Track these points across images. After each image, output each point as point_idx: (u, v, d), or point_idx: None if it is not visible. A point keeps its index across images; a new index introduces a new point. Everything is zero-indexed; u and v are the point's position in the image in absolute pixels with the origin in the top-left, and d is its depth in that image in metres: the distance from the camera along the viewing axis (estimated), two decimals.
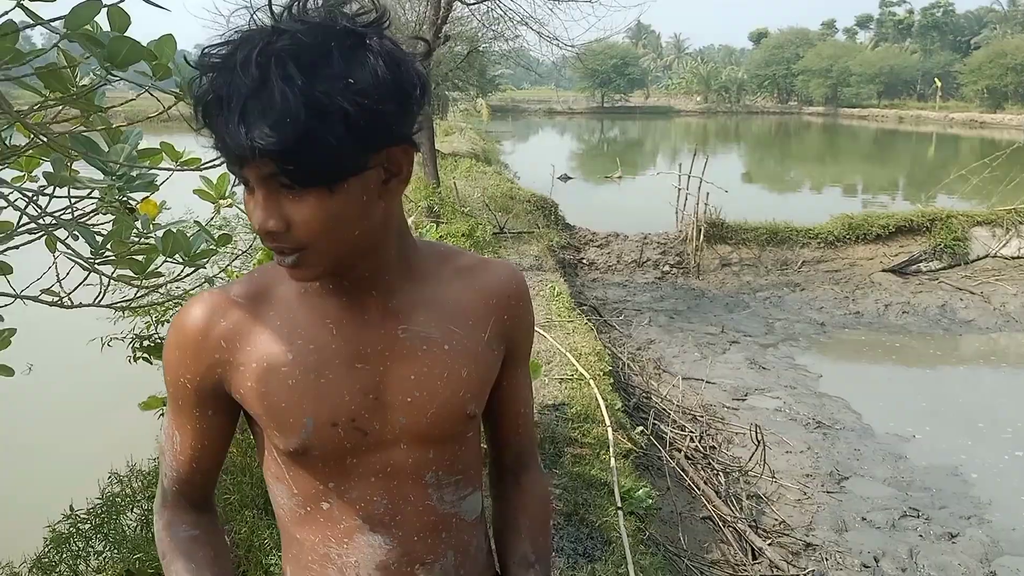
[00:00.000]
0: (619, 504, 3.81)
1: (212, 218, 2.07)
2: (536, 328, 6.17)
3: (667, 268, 9.92)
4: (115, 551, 2.99)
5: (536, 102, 68.53)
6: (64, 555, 2.95)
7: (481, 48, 15.55)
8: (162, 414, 3.37)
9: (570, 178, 17.36)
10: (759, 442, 5.42)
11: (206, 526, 1.18)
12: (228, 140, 0.84)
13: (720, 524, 4.76)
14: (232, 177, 2.00)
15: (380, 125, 0.88)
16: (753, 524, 4.86)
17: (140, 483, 3.53)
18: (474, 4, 10.24)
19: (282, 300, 1.06)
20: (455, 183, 9.45)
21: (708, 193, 10.23)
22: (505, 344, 1.16)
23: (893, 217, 11.31)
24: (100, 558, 3.01)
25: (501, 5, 10.12)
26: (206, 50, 0.88)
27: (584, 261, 9.83)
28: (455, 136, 21.93)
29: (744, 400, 6.82)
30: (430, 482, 1.11)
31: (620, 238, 10.36)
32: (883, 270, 10.68)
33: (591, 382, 5.21)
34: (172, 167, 1.68)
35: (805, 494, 5.32)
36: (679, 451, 5.49)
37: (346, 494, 1.08)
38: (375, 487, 1.08)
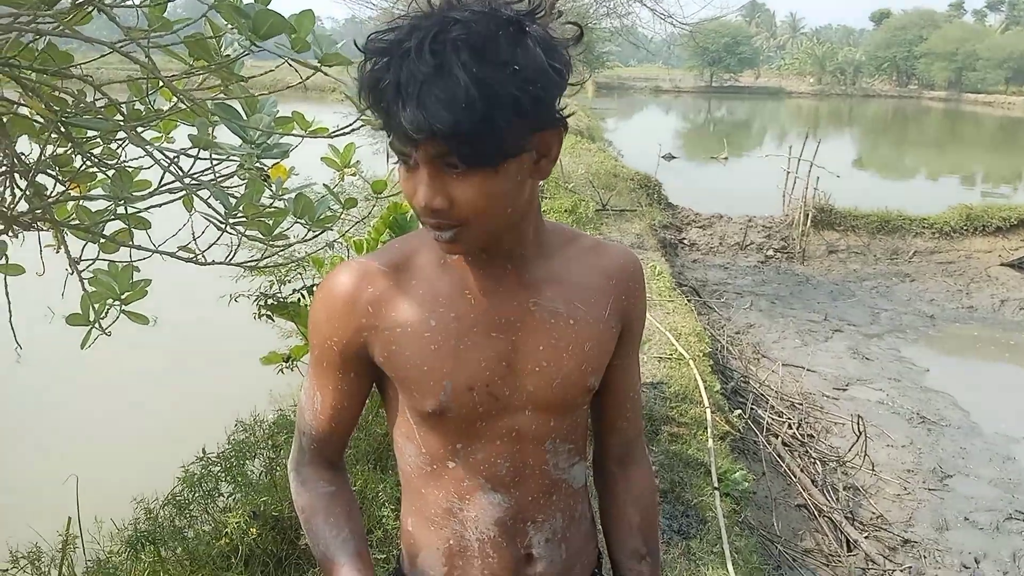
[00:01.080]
0: (716, 484, 3.83)
1: (335, 185, 2.11)
2: None
3: (771, 252, 9.74)
4: (242, 494, 3.20)
5: (643, 80, 67.30)
6: (196, 494, 3.15)
7: (591, 24, 15.42)
8: (281, 370, 3.58)
9: (674, 157, 17.09)
10: (860, 433, 5.33)
11: (341, 484, 1.25)
12: (405, 122, 0.89)
13: (815, 513, 4.71)
14: (357, 146, 2.13)
15: (541, 109, 0.94)
16: (849, 516, 4.79)
17: (263, 432, 3.72)
18: None
19: (423, 270, 1.12)
20: (559, 159, 9.47)
21: (818, 177, 9.96)
22: (622, 323, 1.21)
23: (1016, 209, 10.76)
24: (228, 499, 3.22)
25: None
26: (374, 36, 0.93)
27: (685, 241, 9.74)
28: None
29: (845, 390, 6.68)
30: (548, 448, 1.17)
31: (723, 220, 10.20)
32: (1001, 264, 10.20)
33: (690, 362, 5.21)
34: (302, 135, 1.74)
35: (905, 489, 5.20)
36: (776, 437, 5.44)
37: (472, 455, 1.15)
38: (499, 450, 1.15)
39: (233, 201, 1.69)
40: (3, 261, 1.70)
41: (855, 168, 16.46)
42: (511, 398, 1.13)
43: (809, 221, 9.78)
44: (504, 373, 1.11)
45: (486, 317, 1.11)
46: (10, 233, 1.72)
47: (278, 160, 1.74)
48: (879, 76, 68.81)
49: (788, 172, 10.48)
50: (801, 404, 6.16)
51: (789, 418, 5.81)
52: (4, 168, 1.66)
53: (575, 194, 8.89)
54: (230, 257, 1.89)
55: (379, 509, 3.06)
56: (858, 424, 5.40)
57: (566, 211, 7.98)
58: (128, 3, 1.48)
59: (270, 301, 3.63)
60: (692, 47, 60.16)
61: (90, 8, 1.42)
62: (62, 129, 1.57)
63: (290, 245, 1.95)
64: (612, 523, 1.33)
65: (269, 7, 1.46)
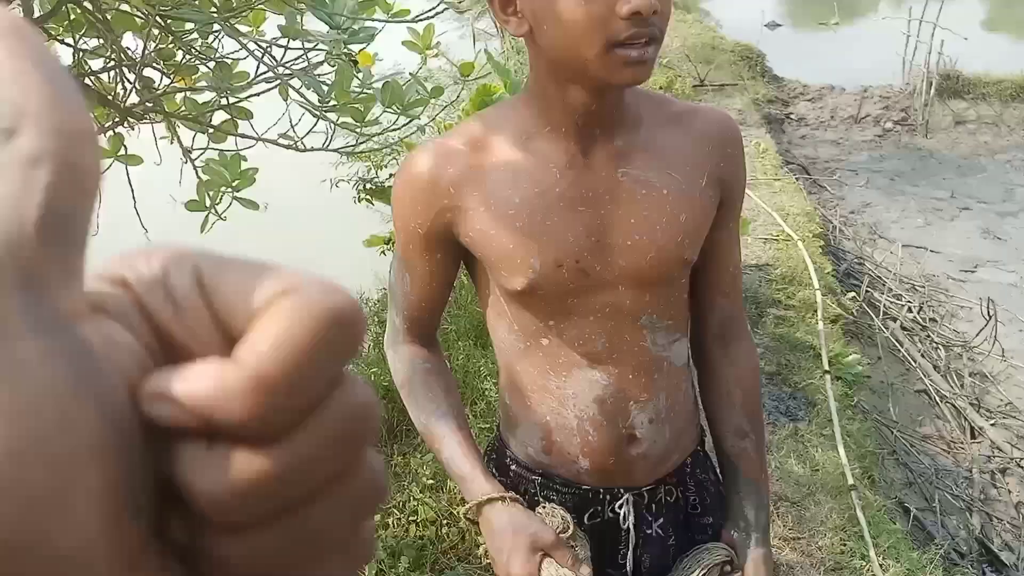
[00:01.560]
0: (826, 367, 3.56)
1: (419, 69, 2.16)
2: None
3: (889, 125, 8.98)
4: (353, 367, 3.31)
5: None
6: None
7: None
8: (383, 252, 3.68)
9: (779, 25, 15.93)
10: (990, 316, 4.89)
11: (437, 360, 1.28)
12: None
13: (937, 399, 4.39)
14: (441, 31, 2.13)
15: None
16: (975, 403, 4.44)
17: (370, 310, 3.96)
18: None
19: (505, 146, 1.10)
20: None
21: (943, 40, 9.04)
22: (720, 192, 1.17)
23: None
24: None
25: None
26: None
27: (793, 116, 9.06)
28: None
29: (973, 272, 6.16)
30: (645, 324, 1.15)
31: (835, 91, 9.44)
32: None
33: (799, 243, 4.86)
34: (384, 19, 1.79)
35: None
36: (894, 320, 5.07)
37: (565, 332, 1.14)
38: (594, 326, 1.13)
39: (325, 88, 1.78)
40: (122, 152, 1.86)
41: (985, 30, 14.96)
42: (603, 273, 1.11)
43: (933, 89, 8.93)
44: (594, 248, 1.09)
45: (572, 191, 1.08)
46: (125, 124, 1.87)
47: (364, 45, 1.79)
48: None
49: (908, 36, 9.55)
50: (923, 287, 5.72)
51: (909, 301, 5.40)
52: (113, 63, 1.79)
53: (671, 69, 8.36)
54: (327, 143, 2.01)
55: (481, 382, 3.19)
56: (988, 307, 4.95)
57: (661, 88, 7.51)
58: None
59: (368, 185, 3.74)
60: None
61: None
62: (161, 22, 1.64)
63: (383, 131, 2.05)
64: (714, 401, 1.31)
65: None
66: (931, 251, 6.44)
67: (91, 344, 0.19)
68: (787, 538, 2.81)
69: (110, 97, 1.69)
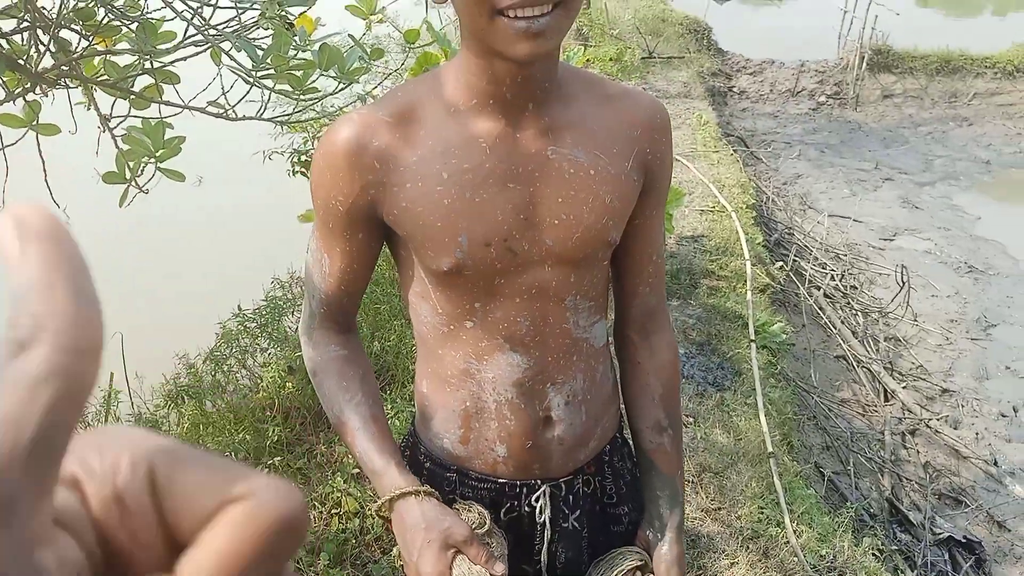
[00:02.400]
0: (752, 337, 3.87)
1: (364, 35, 2.07)
2: (680, 158, 6.12)
3: (823, 99, 9.35)
4: (278, 349, 3.31)
5: None
6: (233, 350, 3.27)
7: None
8: None
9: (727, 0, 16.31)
10: (903, 283, 5.29)
11: (353, 347, 1.21)
12: None
13: (854, 364, 4.76)
14: None
15: None
16: (888, 366, 4.83)
17: (300, 289, 3.79)
18: None
19: (432, 119, 1.04)
20: (605, 3, 9.05)
21: (876, 16, 9.41)
22: (644, 177, 1.14)
23: None
24: (265, 354, 3.34)
25: None
26: None
27: (735, 89, 9.38)
28: None
29: (892, 240, 6.57)
30: (569, 305, 1.13)
31: (775, 65, 9.76)
32: None
33: (732, 214, 5.15)
34: None
35: (947, 340, 5.20)
36: (818, 289, 5.43)
37: (491, 314, 1.10)
38: (519, 307, 1.10)
39: (260, 53, 1.63)
40: (35, 122, 1.65)
41: (918, 5, 15.46)
42: (530, 252, 1.07)
43: (864, 64, 9.32)
44: (522, 226, 1.06)
45: (502, 167, 1.04)
46: (37, 91, 1.70)
47: (306, 8, 1.70)
48: None
49: (844, 11, 9.91)
50: (845, 255, 6.10)
51: (833, 270, 5.77)
52: (27, 23, 1.62)
53: (621, 41, 8.55)
54: (260, 112, 1.86)
55: (413, 363, 3.02)
56: (902, 274, 5.34)
57: (611, 60, 7.70)
58: None
59: (304, 158, 3.60)
60: None
61: None
62: None
63: (321, 98, 1.90)
64: (633, 393, 1.29)
65: None
66: (855, 220, 6.83)
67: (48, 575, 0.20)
68: (708, 509, 2.92)
69: (21, 61, 1.59)
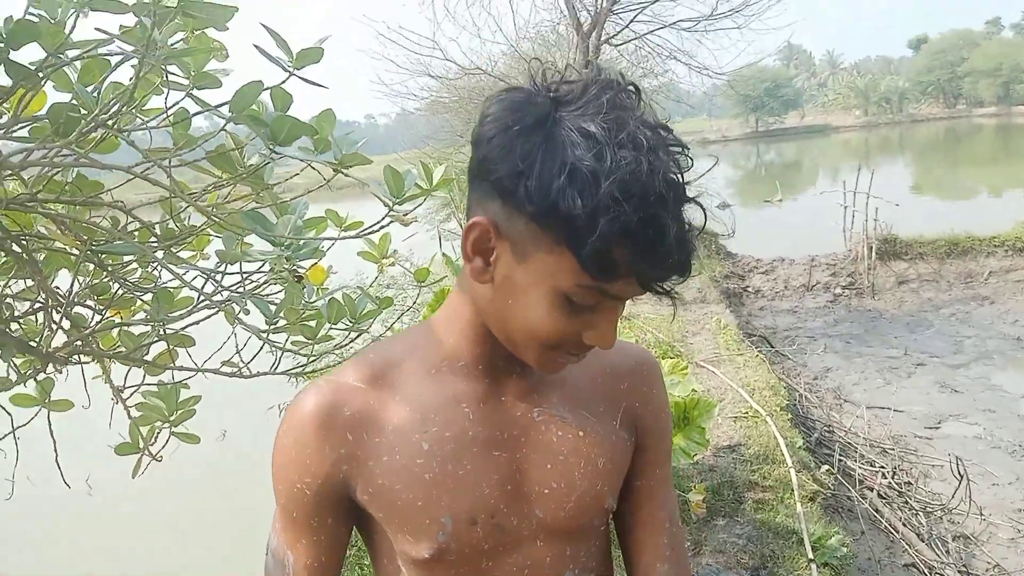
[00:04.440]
0: (810, 555, 3.57)
1: (377, 277, 2.10)
2: (704, 364, 6.00)
3: (839, 291, 9.40)
4: None
5: (688, 134, 67.02)
6: None
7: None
8: None
9: (728, 205, 16.90)
10: (961, 476, 4.98)
11: None
12: (671, 268, 0.80)
13: (926, 572, 4.38)
14: (412, 234, 2.01)
15: None
16: (963, 570, 4.44)
17: None
18: (622, 45, 10.21)
19: (407, 382, 0.96)
20: None
21: (876, 208, 9.65)
22: (635, 434, 1.05)
23: None
24: None
25: (648, 42, 10.03)
26: (620, 177, 0.76)
27: (749, 289, 9.48)
28: None
29: (938, 428, 6.30)
30: None
31: (786, 263, 9.93)
32: None
33: (767, 418, 4.97)
34: (336, 234, 1.67)
35: (1019, 532, 4.82)
36: (871, 489, 5.12)
37: None
38: None
39: (273, 308, 1.65)
40: (47, 399, 1.64)
41: (914, 194, 15.98)
42: (520, 527, 0.96)
43: (874, 254, 9.44)
44: (509, 499, 0.95)
45: (486, 432, 0.95)
46: (48, 369, 1.68)
47: (315, 260, 1.69)
48: (925, 101, 68.12)
49: (845, 207, 10.19)
50: (893, 449, 5.82)
51: (882, 466, 5.48)
52: (40, 304, 1.64)
53: None
54: (275, 366, 1.84)
55: None
56: (958, 466, 5.05)
57: None
58: (147, 127, 1.46)
59: None
60: (733, 96, 60.46)
61: (110, 134, 1.40)
62: (95, 259, 1.55)
63: (336, 347, 1.90)
64: None
65: (288, 112, 1.42)
66: (895, 411, 6.60)
67: None
68: None
69: (34, 343, 1.59)
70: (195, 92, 1.41)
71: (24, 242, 1.50)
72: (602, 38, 9.32)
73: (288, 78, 1.49)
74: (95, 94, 1.39)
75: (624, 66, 12.72)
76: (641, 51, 10.73)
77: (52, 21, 1.24)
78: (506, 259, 0.85)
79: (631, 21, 9.21)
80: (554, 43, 11.15)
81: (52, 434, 1.78)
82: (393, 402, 0.95)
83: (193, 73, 1.43)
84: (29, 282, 1.61)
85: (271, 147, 1.45)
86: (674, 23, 9.15)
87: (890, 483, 5.28)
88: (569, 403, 0.99)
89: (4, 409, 1.66)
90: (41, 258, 1.57)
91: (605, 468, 0.99)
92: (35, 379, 1.64)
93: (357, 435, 0.93)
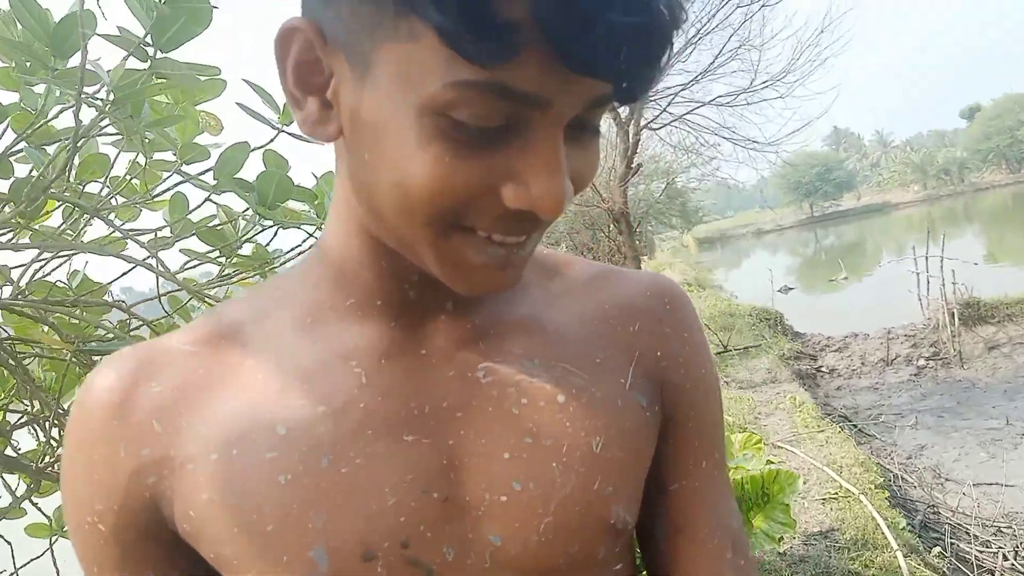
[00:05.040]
0: None
1: None
2: (782, 444, 5.45)
3: (922, 362, 8.72)
4: None
5: (743, 227, 66.91)
6: None
7: (678, 180, 15.44)
8: None
9: (791, 289, 16.35)
10: None
11: None
12: (621, 27, 0.43)
13: None
14: None
15: None
16: None
17: None
18: (660, 128, 10.08)
19: (268, 338, 0.61)
20: None
21: (953, 270, 9.06)
22: (661, 400, 0.66)
23: None
24: None
25: (688, 123, 9.86)
26: None
27: (823, 369, 8.86)
28: (665, 272, 21.67)
29: None
30: None
31: (860, 338, 9.31)
32: None
33: (861, 498, 4.39)
34: None
35: None
36: (991, 574, 4.45)
37: None
38: None
39: None
40: (64, 527, 1.52)
41: (988, 263, 15.23)
42: (460, 564, 0.57)
43: (956, 319, 8.79)
44: (437, 515, 0.56)
45: (390, 405, 0.58)
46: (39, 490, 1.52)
47: None
48: (987, 168, 66.90)
49: (918, 273, 9.60)
50: (1009, 527, 5.12)
51: (1001, 547, 4.79)
52: (31, 415, 1.46)
53: None
54: None
55: None
56: None
57: None
58: (142, 236, 1.40)
59: None
60: (784, 185, 60.25)
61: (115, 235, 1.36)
62: (87, 359, 1.39)
63: None
64: None
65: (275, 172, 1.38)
66: (1005, 486, 5.89)
67: None
68: None
69: (28, 461, 1.41)
70: (185, 167, 1.34)
71: (8, 346, 1.35)
72: (640, 124, 9.19)
73: (277, 135, 1.38)
74: (101, 191, 1.35)
75: (669, 160, 12.64)
76: (686, 140, 10.62)
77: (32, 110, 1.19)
78: (348, 86, 0.50)
79: (669, 104, 9.05)
80: None
81: (56, 566, 1.52)
82: (240, 367, 0.59)
83: (180, 146, 1.34)
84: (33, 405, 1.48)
85: (259, 213, 1.35)
86: (712, 100, 8.96)
87: (1012, 564, 4.59)
88: (542, 354, 0.62)
89: (3, 539, 1.45)
90: (28, 363, 1.43)
91: (608, 455, 0.60)
92: (30, 500, 1.43)
93: (170, 424, 0.56)
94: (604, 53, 0.43)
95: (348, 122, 0.51)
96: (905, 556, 3.77)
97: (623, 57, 0.43)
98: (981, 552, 4.70)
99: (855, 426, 7.22)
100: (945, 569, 4.22)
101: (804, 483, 4.77)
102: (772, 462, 3.68)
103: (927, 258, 9.41)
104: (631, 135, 9.29)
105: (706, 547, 0.67)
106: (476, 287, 0.54)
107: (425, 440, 0.57)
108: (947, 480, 6.13)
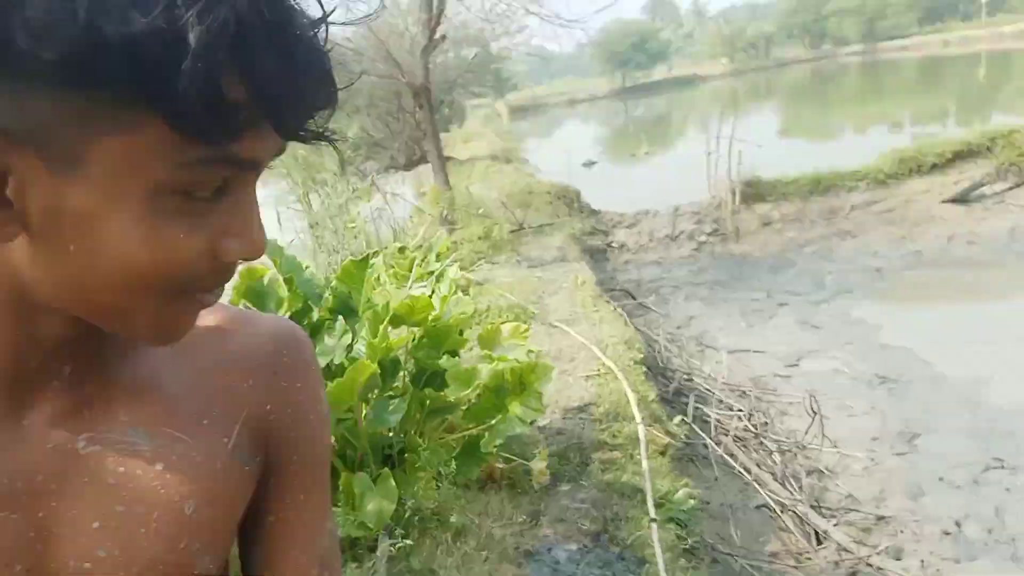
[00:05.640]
0: (652, 515, 3.42)
1: None
2: (559, 324, 5.83)
3: (703, 238, 9.42)
4: None
5: (558, 95, 66.92)
6: None
7: (492, 47, 15.27)
8: None
9: (594, 163, 16.86)
10: (815, 412, 4.96)
11: None
12: (313, 84, 0.52)
13: (778, 510, 4.33)
14: None
15: None
16: (815, 504, 4.42)
17: None
18: None
19: None
20: (468, 188, 9.12)
21: (740, 152, 9.68)
22: (266, 453, 0.72)
23: (949, 143, 10.50)
24: None
25: None
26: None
27: (613, 244, 9.39)
28: (473, 142, 21.54)
29: (797, 365, 6.34)
30: None
31: (650, 215, 9.88)
32: (943, 201, 9.91)
33: (618, 374, 4.82)
34: None
35: (873, 460, 4.85)
36: (726, 434, 5.06)
37: None
38: None
39: None
40: None
41: (781, 138, 16.29)
42: None
43: (737, 197, 9.49)
44: None
45: None
46: None
47: None
48: (791, 43, 69.94)
49: (709, 154, 10.20)
50: (751, 391, 5.80)
51: (740, 409, 5.44)
52: None
53: (488, 219, 8.52)
54: None
55: None
56: (811, 404, 5.04)
57: (479, 238, 7.60)
58: None
59: None
60: (599, 55, 60.62)
61: None
62: None
63: None
64: None
65: None
66: (755, 352, 6.60)
67: None
68: None
69: None
70: None
71: None
72: None
73: None
74: None
75: (479, 27, 12.47)
76: (496, 9, 10.47)
77: None
78: (42, 182, 0.50)
79: None
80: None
81: None
82: None
83: None
84: None
85: None
86: None
87: (746, 426, 5.24)
88: (148, 420, 0.65)
89: None
90: None
91: (200, 517, 0.65)
92: None
93: None
94: (306, 120, 0.53)
95: (40, 219, 0.51)
96: (648, 426, 4.21)
97: (317, 117, 0.54)
98: (721, 415, 5.32)
99: (634, 298, 7.77)
100: (684, 434, 4.75)
101: (571, 361, 5.18)
102: (533, 352, 3.97)
103: (718, 139, 9.99)
104: (435, 4, 9.04)
105: (290, 572, 0.74)
106: (176, 339, 0.59)
107: (13, 515, 0.59)
108: (707, 348, 6.79)
